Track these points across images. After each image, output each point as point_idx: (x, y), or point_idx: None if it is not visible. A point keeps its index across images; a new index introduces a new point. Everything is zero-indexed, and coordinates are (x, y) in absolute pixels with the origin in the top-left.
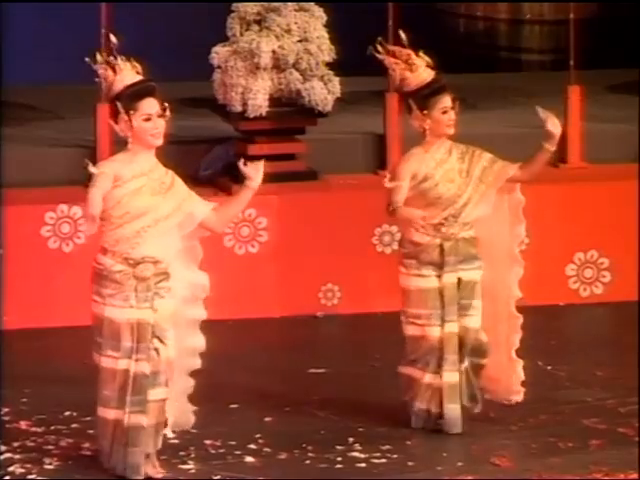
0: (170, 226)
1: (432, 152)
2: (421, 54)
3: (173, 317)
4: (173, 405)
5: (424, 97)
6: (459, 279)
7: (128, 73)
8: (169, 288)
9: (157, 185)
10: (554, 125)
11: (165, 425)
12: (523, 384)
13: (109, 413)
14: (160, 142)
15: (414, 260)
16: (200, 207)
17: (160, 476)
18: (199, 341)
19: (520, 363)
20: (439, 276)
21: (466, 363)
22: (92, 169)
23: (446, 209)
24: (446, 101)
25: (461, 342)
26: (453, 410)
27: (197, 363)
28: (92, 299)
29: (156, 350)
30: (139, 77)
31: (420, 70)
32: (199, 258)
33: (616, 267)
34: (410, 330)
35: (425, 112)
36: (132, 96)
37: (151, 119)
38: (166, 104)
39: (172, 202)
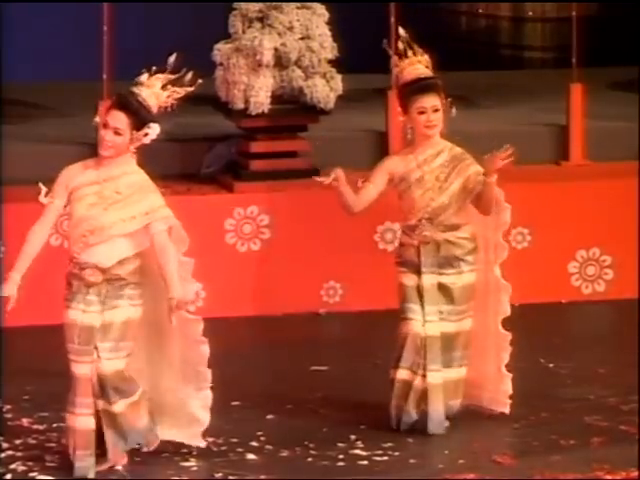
0: (112, 235)
1: (417, 153)
2: (419, 53)
3: (132, 327)
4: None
5: (404, 97)
6: (439, 283)
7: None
8: (136, 295)
9: (108, 194)
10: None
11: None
12: (511, 397)
13: (70, 418)
14: (106, 153)
15: (400, 258)
16: (156, 224)
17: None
18: (204, 349)
19: (509, 377)
20: (419, 276)
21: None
22: (43, 199)
23: (419, 212)
24: (424, 102)
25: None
26: (437, 412)
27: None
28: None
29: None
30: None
31: (410, 69)
32: (190, 269)
33: (618, 264)
34: (400, 326)
35: (405, 113)
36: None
37: (106, 127)
38: (123, 126)
39: (121, 213)
